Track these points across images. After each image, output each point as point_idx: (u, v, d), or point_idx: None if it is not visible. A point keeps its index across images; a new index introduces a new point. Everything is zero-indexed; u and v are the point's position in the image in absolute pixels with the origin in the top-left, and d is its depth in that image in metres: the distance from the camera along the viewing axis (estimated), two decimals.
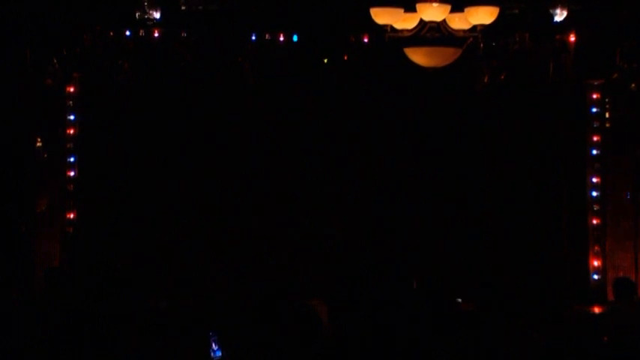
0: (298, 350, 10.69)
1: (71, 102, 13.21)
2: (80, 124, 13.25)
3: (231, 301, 12.26)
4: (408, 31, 9.34)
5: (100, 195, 13.22)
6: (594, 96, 13.08)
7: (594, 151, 13.10)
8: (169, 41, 12.39)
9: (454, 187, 13.28)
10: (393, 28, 9.37)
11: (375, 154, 13.37)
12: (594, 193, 13.09)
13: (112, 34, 12.38)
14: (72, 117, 13.21)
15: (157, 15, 12.13)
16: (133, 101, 13.18)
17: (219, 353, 10.15)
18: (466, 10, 9.26)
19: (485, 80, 12.62)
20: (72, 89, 13.20)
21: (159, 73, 12.76)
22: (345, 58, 12.51)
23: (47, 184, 13.09)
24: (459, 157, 13.32)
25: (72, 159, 13.18)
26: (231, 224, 13.25)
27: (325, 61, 12.59)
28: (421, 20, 9.26)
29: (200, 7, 12.39)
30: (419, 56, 9.45)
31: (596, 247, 13.05)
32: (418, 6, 9.20)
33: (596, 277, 13.02)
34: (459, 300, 11.88)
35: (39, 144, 13.06)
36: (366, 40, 12.35)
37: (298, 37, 12.48)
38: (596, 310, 12.29)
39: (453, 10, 9.27)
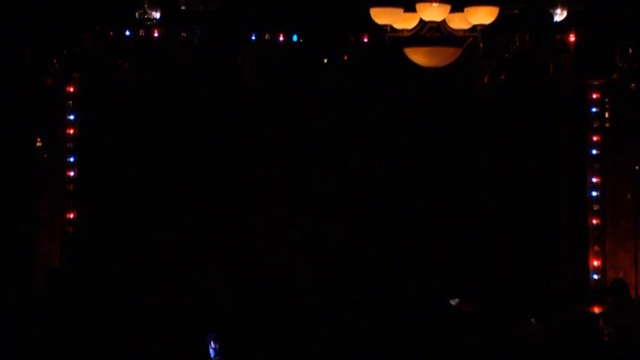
0: (298, 350, 10.72)
1: (71, 102, 13.21)
2: (80, 124, 13.25)
3: (231, 301, 12.29)
4: (408, 31, 9.33)
5: (100, 195, 13.22)
6: (594, 96, 13.08)
7: (594, 151, 13.10)
8: (169, 41, 12.39)
9: (454, 187, 13.28)
10: (393, 28, 9.36)
11: (375, 154, 13.37)
12: (594, 193, 13.10)
13: (112, 34, 12.38)
14: (72, 117, 13.21)
15: (156, 15, 12.14)
16: (133, 101, 13.18)
17: (217, 352, 10.16)
18: (466, 10, 9.25)
19: (485, 80, 12.62)
20: (72, 89, 13.20)
21: (159, 73, 12.76)
22: (345, 58, 12.52)
23: (47, 184, 13.09)
24: (459, 157, 13.32)
25: (72, 159, 13.19)
26: (231, 224, 13.25)
27: (325, 61, 12.59)
28: (421, 20, 9.26)
29: (200, 7, 12.39)
30: (419, 56, 9.45)
31: (596, 247, 13.05)
32: (418, 6, 9.19)
33: (596, 277, 13.02)
34: (455, 301, 11.88)
35: (39, 144, 13.07)
36: (366, 40, 12.36)
37: (298, 37, 12.48)
38: (596, 310, 12.30)
39: (452, 10, 9.26)
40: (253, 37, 12.48)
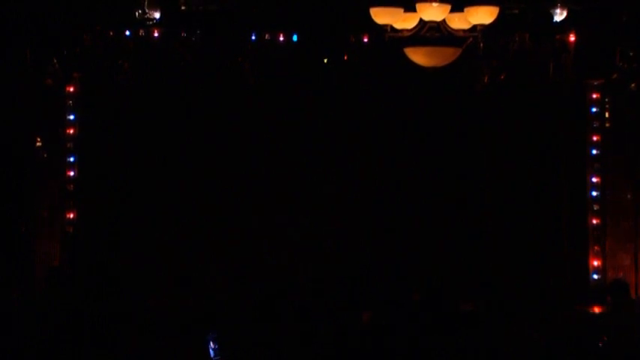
0: (298, 350, 10.72)
1: (71, 102, 13.21)
2: (80, 124, 13.25)
3: (231, 301, 12.28)
4: (408, 31, 9.33)
5: (100, 195, 13.21)
6: (594, 96, 13.09)
7: (594, 151, 13.11)
8: (169, 41, 12.39)
9: (454, 187, 13.28)
10: (393, 28, 9.36)
11: (375, 154, 13.37)
12: (594, 193, 13.10)
13: (112, 34, 12.38)
14: (72, 117, 13.21)
15: (157, 15, 12.14)
16: (133, 101, 13.18)
17: (217, 352, 10.16)
18: (466, 10, 9.25)
19: (485, 80, 12.62)
20: (72, 89, 13.20)
21: (159, 73, 12.76)
22: (345, 58, 12.52)
23: (47, 184, 13.09)
24: (459, 157, 13.32)
25: (72, 159, 13.19)
26: (231, 224, 13.24)
27: (325, 61, 12.59)
28: (421, 20, 9.25)
29: (200, 7, 12.39)
30: (419, 56, 9.44)
31: (596, 247, 13.05)
32: (418, 6, 9.19)
33: (596, 277, 13.02)
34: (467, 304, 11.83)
35: (39, 144, 13.07)
36: (366, 40, 12.36)
37: (298, 37, 12.48)
38: (596, 310, 12.31)
39: (452, 10, 9.26)
40: (253, 37, 12.48)
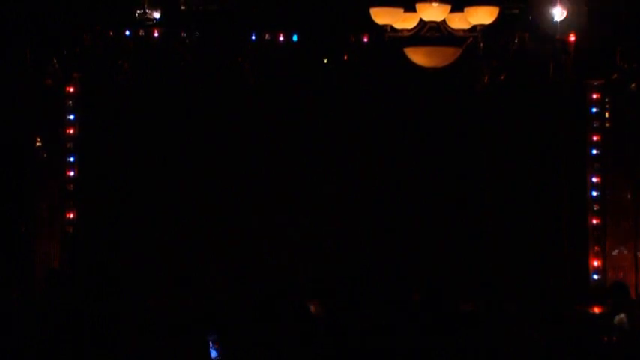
0: (298, 350, 10.71)
1: (71, 102, 13.22)
2: (80, 124, 13.25)
3: (231, 301, 12.27)
4: (408, 31, 9.34)
5: (100, 195, 13.22)
6: (594, 96, 13.08)
7: (594, 151, 13.11)
8: (169, 41, 12.40)
9: (454, 187, 13.28)
10: (393, 28, 9.37)
11: (375, 154, 13.37)
12: (594, 193, 13.10)
13: (112, 34, 12.39)
14: (72, 117, 13.22)
15: (157, 15, 12.15)
16: (133, 101, 13.19)
17: (217, 353, 10.15)
18: (466, 10, 9.26)
19: (485, 80, 12.63)
20: (72, 89, 13.20)
21: (159, 73, 12.77)
22: (345, 58, 12.52)
23: (47, 184, 13.09)
24: (459, 157, 13.32)
25: (72, 159, 13.19)
26: (231, 224, 13.25)
27: (325, 61, 12.59)
28: (421, 20, 9.26)
29: (200, 7, 12.40)
30: (419, 56, 9.45)
31: (596, 247, 13.05)
32: (418, 6, 9.20)
33: (596, 277, 13.02)
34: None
35: (39, 144, 13.07)
36: (366, 40, 12.36)
37: (298, 37, 12.48)
38: (596, 310, 12.30)
39: (452, 10, 9.27)
40: (253, 37, 12.48)
